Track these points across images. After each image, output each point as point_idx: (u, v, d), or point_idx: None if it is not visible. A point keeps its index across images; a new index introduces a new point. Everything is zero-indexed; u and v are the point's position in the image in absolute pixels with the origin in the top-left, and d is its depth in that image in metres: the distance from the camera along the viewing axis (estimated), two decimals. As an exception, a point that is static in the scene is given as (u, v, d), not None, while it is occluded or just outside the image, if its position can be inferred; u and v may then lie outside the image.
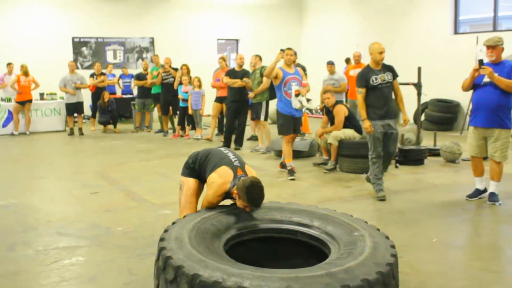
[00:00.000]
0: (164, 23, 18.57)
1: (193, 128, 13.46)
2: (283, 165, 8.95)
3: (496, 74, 6.40)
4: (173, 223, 3.67)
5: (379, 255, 3.13)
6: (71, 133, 14.40)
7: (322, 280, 2.76)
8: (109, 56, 18.18)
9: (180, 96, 13.25)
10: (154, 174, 8.89)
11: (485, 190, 6.99)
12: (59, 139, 13.96)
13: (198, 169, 4.59)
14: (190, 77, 13.12)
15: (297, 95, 8.15)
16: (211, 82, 12.85)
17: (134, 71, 16.84)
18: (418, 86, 10.11)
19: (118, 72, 17.21)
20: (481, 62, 6.48)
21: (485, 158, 7.04)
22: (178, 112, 13.81)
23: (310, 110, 8.81)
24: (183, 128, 13.65)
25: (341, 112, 9.11)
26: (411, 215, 6.38)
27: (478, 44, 13.56)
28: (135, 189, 7.88)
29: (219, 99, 12.47)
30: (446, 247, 5.29)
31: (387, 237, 3.48)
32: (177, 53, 16.88)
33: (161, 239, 3.36)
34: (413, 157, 9.53)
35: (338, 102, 9.43)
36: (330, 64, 11.83)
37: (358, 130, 9.02)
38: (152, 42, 18.61)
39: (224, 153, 4.49)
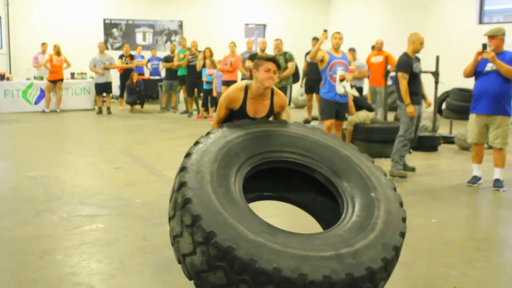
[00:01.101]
0: (192, 6, 18.92)
1: (206, 109, 13.90)
2: None
3: (497, 59, 6.63)
4: (197, 142, 3.51)
5: (389, 233, 3.14)
6: (100, 111, 14.91)
7: (330, 264, 2.80)
8: (139, 38, 18.64)
9: (204, 78, 13.63)
10: (175, 152, 9.30)
11: (480, 177, 7.25)
12: (88, 117, 14.48)
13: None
14: (213, 61, 13.47)
15: (341, 80, 7.98)
16: (219, 65, 13.17)
17: (162, 54, 17.25)
18: (436, 74, 10.30)
19: (147, 53, 17.63)
20: (484, 46, 6.72)
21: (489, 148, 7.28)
22: (202, 94, 14.19)
23: (355, 97, 8.65)
24: (206, 110, 14.04)
25: (349, 98, 9.34)
26: (415, 197, 6.67)
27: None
28: (156, 165, 8.30)
29: (225, 83, 12.81)
30: (443, 227, 5.58)
31: (401, 203, 3.48)
32: (205, 37, 17.27)
33: (183, 168, 3.24)
34: (427, 144, 9.77)
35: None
36: (352, 50, 12.09)
37: (369, 108, 9.31)
38: (180, 26, 19.01)
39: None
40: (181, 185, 3.09)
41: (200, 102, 14.58)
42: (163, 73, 16.28)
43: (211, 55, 13.51)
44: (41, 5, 17.31)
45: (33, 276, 4.19)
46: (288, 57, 11.72)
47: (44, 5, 17.32)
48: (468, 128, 7.26)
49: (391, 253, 3.03)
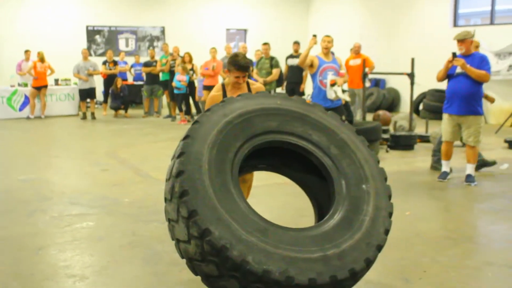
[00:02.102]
0: (174, 12, 19.18)
1: (188, 113, 14.29)
2: None
3: (467, 65, 6.99)
4: (196, 121, 3.41)
5: (375, 232, 3.29)
6: (84, 117, 15.11)
7: (316, 267, 2.97)
8: (122, 44, 18.85)
9: (173, 83, 13.99)
10: (160, 154, 9.57)
11: (450, 172, 7.63)
12: (73, 122, 14.67)
13: None
14: (193, 65, 13.73)
15: (332, 85, 7.81)
16: (200, 70, 13.45)
17: (145, 59, 17.45)
18: (411, 76, 10.67)
19: (130, 59, 17.85)
20: (454, 54, 7.07)
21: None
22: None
23: (346, 102, 8.48)
24: (187, 113, 14.29)
25: None
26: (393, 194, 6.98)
27: (475, 37, 14.07)
28: (141, 167, 8.56)
29: (206, 87, 13.12)
30: (416, 219, 5.92)
31: (390, 196, 3.58)
32: (187, 42, 17.51)
33: (181, 154, 3.21)
34: (403, 143, 10.12)
35: None
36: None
37: (350, 116, 9.63)
38: (163, 31, 19.25)
39: None
40: (179, 173, 3.11)
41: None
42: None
43: (191, 60, 13.76)
44: (24, 12, 17.46)
45: (30, 270, 4.45)
46: (274, 63, 12.03)
47: (27, 13, 17.47)
48: (442, 127, 7.60)
49: (374, 253, 3.22)
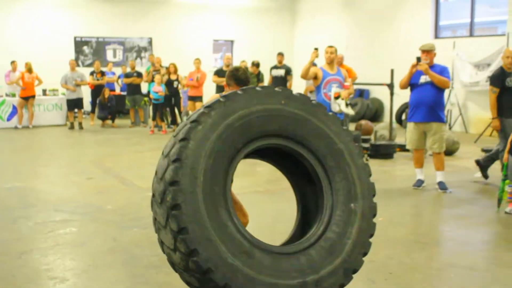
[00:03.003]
0: (162, 23, 19.43)
1: (174, 123, 14.53)
2: None
3: (430, 71, 7.30)
4: (195, 120, 3.18)
5: (354, 256, 3.35)
6: (71, 127, 15.28)
7: None
8: (109, 55, 19.07)
9: (151, 95, 14.25)
10: (144, 164, 9.77)
11: (424, 180, 7.86)
12: (60, 132, 14.83)
13: None
14: (178, 76, 13.96)
15: (336, 97, 7.55)
16: (184, 81, 13.70)
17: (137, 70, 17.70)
18: (391, 86, 10.95)
19: (118, 70, 18.04)
20: (418, 59, 7.36)
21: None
22: (167, 109, 14.70)
23: (348, 116, 8.22)
24: (173, 123, 14.54)
25: None
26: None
27: (455, 49, 14.44)
28: (126, 175, 8.76)
29: (190, 98, 13.42)
30: (389, 224, 6.13)
31: (374, 215, 3.58)
32: (174, 53, 17.77)
33: (177, 159, 3.07)
34: (383, 151, 10.38)
35: None
36: (313, 65, 12.66)
37: None
38: (150, 42, 19.49)
39: None
40: (173, 183, 3.02)
41: (169, 117, 15.05)
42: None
43: (176, 71, 13.98)
44: (12, 23, 17.65)
45: (12, 273, 4.63)
46: (261, 78, 12.23)
47: (15, 23, 17.66)
48: (407, 136, 7.85)
49: (349, 278, 3.31)
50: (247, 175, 8.44)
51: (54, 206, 6.85)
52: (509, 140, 6.70)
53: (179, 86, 14.18)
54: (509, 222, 6.29)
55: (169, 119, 14.89)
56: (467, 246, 5.46)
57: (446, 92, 13.90)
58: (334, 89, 7.58)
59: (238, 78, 4.29)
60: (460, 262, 4.87)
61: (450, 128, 14.73)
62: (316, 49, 7.71)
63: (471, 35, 14.79)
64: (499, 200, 6.60)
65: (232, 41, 20.97)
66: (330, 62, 7.71)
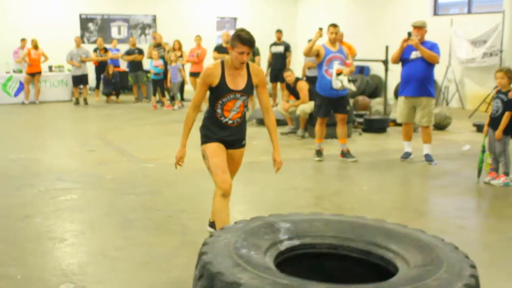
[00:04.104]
0: (166, 1, 19.66)
1: (172, 99, 14.87)
2: (318, 152, 8.29)
3: (421, 45, 7.56)
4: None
5: None
6: (77, 102, 15.65)
7: None
8: (114, 32, 19.35)
9: (152, 70, 14.58)
10: (144, 137, 10.15)
11: (411, 153, 8.16)
12: (66, 108, 15.21)
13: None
14: (182, 53, 14.25)
15: (338, 74, 7.67)
16: (186, 57, 13.99)
17: (138, 47, 17.98)
18: (385, 62, 11.22)
19: (123, 47, 18.31)
20: (409, 34, 7.63)
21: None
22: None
23: (352, 91, 8.27)
24: (160, 100, 14.98)
25: (304, 87, 10.14)
26: (354, 170, 7.58)
27: (453, 26, 14.64)
28: (126, 148, 9.12)
29: (192, 74, 13.75)
30: (371, 192, 6.50)
31: None
32: (178, 30, 18.02)
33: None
34: (376, 126, 10.69)
35: (298, 79, 10.41)
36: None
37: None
38: (154, 19, 19.75)
39: None
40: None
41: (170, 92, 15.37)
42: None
43: (180, 47, 14.27)
44: (19, 1, 17.96)
45: (15, 234, 5.03)
46: (256, 51, 12.45)
47: (22, 1, 17.97)
48: (398, 110, 8.15)
49: None
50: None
51: (56, 175, 7.23)
52: (488, 114, 6.99)
53: (181, 60, 14.43)
54: (485, 191, 6.65)
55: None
56: (441, 213, 5.82)
57: (443, 69, 14.33)
58: (336, 66, 7.71)
59: (242, 38, 4.08)
60: (433, 227, 5.20)
61: (447, 104, 14.99)
62: (320, 28, 7.77)
63: (469, 12, 14.97)
64: (479, 171, 6.93)
65: (235, 19, 21.18)
66: (333, 41, 7.87)
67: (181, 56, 14.41)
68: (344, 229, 3.38)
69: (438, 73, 14.37)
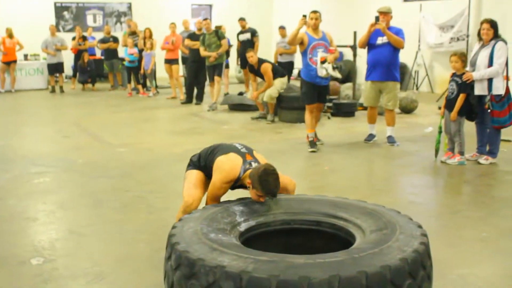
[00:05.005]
0: (141, -12, 19.83)
1: (145, 86, 15.16)
2: (312, 143, 8.04)
3: (387, 30, 7.86)
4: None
5: None
6: (53, 90, 15.81)
7: None
8: (89, 20, 19.48)
9: (127, 58, 14.80)
10: (119, 124, 10.41)
11: (375, 135, 8.51)
12: (42, 96, 15.39)
13: (204, 165, 4.16)
14: (152, 40, 14.46)
15: (323, 62, 7.62)
16: (161, 44, 14.20)
17: (113, 34, 18.13)
18: (354, 48, 11.54)
19: (98, 34, 18.45)
20: (377, 18, 7.90)
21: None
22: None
23: (337, 79, 8.08)
24: (135, 87, 15.25)
25: (268, 69, 10.33)
26: (318, 152, 7.87)
27: (422, 11, 15.00)
28: (100, 134, 9.37)
29: (167, 61, 13.93)
30: (332, 172, 6.85)
31: None
32: (154, 18, 18.27)
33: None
34: (345, 110, 11.03)
35: (262, 60, 10.57)
36: (282, 28, 13.33)
37: (282, 74, 10.46)
38: (129, 7, 19.89)
39: (230, 144, 4.20)
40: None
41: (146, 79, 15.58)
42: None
43: (151, 35, 14.46)
44: (-8, -10, 18.02)
45: (-11, 215, 5.28)
46: (220, 35, 12.49)
47: (-5, -10, 18.04)
48: (364, 94, 8.48)
49: None
50: (207, 132, 9.15)
51: (31, 160, 7.47)
52: (444, 96, 7.34)
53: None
54: (441, 169, 7.00)
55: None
56: (397, 189, 6.17)
57: (413, 54, 14.69)
58: (320, 54, 7.66)
59: (270, 190, 3.57)
60: (386, 201, 5.50)
61: (417, 89, 15.40)
62: (304, 16, 7.67)
63: (436, -4, 15.35)
64: (436, 151, 7.28)
65: (210, 6, 21.36)
66: (315, 28, 7.79)
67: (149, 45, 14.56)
68: (293, 205, 3.70)
69: (408, 57, 14.82)
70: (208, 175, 4.11)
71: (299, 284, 2.51)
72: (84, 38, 16.73)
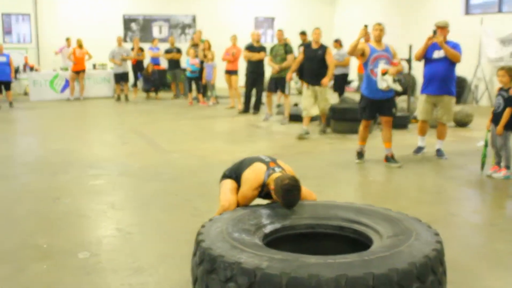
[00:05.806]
0: (205, 1, 20.38)
1: (205, 95, 15.62)
2: (359, 154, 8.08)
3: (445, 44, 7.86)
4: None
5: None
6: (118, 99, 16.51)
7: None
8: (155, 32, 20.21)
9: (189, 68, 15.26)
10: (176, 131, 10.83)
11: (424, 147, 8.53)
12: (107, 103, 16.10)
13: (235, 177, 4.37)
14: (195, 51, 14.88)
15: (383, 74, 7.42)
16: (222, 55, 14.56)
17: (178, 46, 18.69)
18: (409, 61, 11.57)
19: (164, 45, 19.06)
20: (435, 32, 7.93)
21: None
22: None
23: (397, 92, 7.95)
24: (196, 97, 15.72)
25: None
26: (367, 164, 7.97)
27: (483, 25, 14.83)
28: (157, 140, 9.80)
29: (227, 72, 14.29)
30: (377, 184, 6.95)
31: None
32: (217, 30, 18.77)
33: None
34: (398, 122, 11.02)
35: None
36: (337, 41, 13.45)
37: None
38: (194, 19, 20.48)
39: (256, 156, 4.41)
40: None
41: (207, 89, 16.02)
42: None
43: (209, 47, 14.89)
44: (65, 2, 18.99)
45: (46, 212, 5.69)
46: (288, 49, 12.57)
47: (68, 3, 19.00)
48: (419, 107, 8.50)
49: None
50: (264, 139, 9.39)
51: (89, 164, 7.91)
52: (491, 111, 7.33)
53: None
54: (485, 183, 7.01)
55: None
56: (438, 201, 6.22)
57: (473, 68, 14.53)
58: (382, 66, 7.49)
59: (290, 203, 3.80)
60: (423, 213, 5.61)
61: (476, 103, 15.20)
62: (366, 26, 7.62)
63: (499, 11, 15.12)
64: (482, 165, 7.28)
65: (273, 18, 21.71)
66: (379, 40, 7.69)
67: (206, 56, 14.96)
68: (318, 211, 3.89)
69: (468, 71, 14.68)
70: (240, 185, 4.32)
71: (308, 282, 2.69)
72: (141, 50, 17.38)
